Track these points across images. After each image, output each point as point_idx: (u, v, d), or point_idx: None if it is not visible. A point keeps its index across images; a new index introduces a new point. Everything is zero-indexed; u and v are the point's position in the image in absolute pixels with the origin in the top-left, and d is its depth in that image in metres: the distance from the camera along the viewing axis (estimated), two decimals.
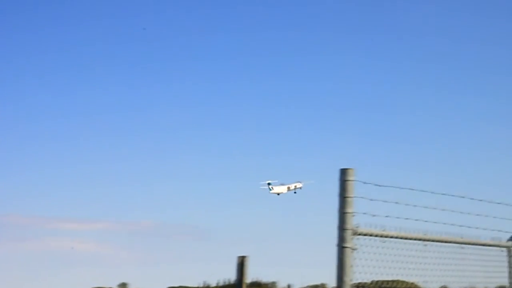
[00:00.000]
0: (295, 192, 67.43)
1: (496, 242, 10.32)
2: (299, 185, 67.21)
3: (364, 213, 8.20)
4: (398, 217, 8.58)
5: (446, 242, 9.34)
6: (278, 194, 66.57)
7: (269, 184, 65.46)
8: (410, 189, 8.71)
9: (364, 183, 8.17)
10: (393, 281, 8.93)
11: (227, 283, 59.03)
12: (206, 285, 65.55)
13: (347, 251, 8.01)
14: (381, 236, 8.43)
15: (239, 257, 9.34)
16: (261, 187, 66.50)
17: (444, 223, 9.20)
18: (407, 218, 8.71)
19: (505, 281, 10.51)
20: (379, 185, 8.37)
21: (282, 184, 66.63)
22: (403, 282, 9.05)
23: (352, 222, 8.07)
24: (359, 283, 8.13)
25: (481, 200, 9.75)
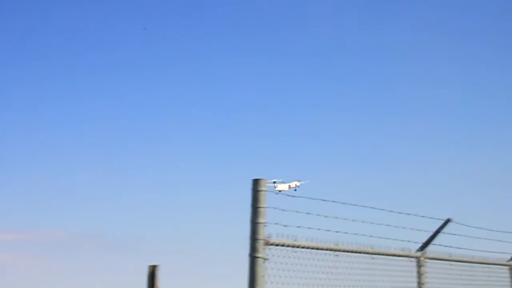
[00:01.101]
0: (295, 190, 69.94)
1: (406, 253, 10.51)
2: (298, 183, 69.92)
3: (276, 223, 8.24)
4: (309, 228, 8.65)
5: (357, 252, 9.45)
6: (280, 191, 68.29)
7: (274, 182, 67.45)
8: (322, 199, 8.78)
9: (277, 193, 8.22)
10: None
11: None
12: None
13: (259, 261, 8.05)
14: (293, 246, 8.48)
15: (150, 266, 9.24)
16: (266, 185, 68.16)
17: (355, 234, 9.30)
18: (318, 229, 8.78)
19: None
20: (292, 196, 8.42)
21: (283, 182, 68.99)
22: None
23: (264, 232, 8.11)
24: None
25: (391, 211, 9.91)
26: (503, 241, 12.92)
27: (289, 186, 67.84)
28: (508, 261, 13.45)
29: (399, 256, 10.31)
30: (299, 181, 68.99)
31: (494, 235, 12.47)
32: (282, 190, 68.27)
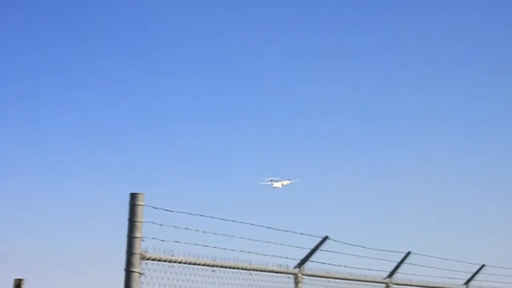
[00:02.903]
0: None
1: (284, 269, 10.64)
2: (288, 182, 72.16)
3: (154, 238, 8.22)
4: (187, 243, 8.67)
5: (234, 268, 9.51)
6: (275, 188, 71.35)
7: (271, 180, 70.43)
8: (200, 215, 8.83)
9: (154, 208, 8.21)
10: None
11: None
12: None
13: (135, 276, 8.02)
14: (170, 261, 8.48)
15: (16, 279, 9.06)
16: (262, 183, 71.31)
17: (233, 250, 9.38)
18: (196, 244, 8.81)
19: None
20: (170, 211, 8.42)
21: (277, 181, 70.54)
22: None
23: (141, 246, 8.09)
24: None
25: (269, 228, 10.03)
26: (380, 259, 13.24)
27: (282, 184, 70.98)
28: (385, 278, 13.79)
29: (277, 272, 10.43)
30: (289, 179, 71.90)
31: (371, 253, 12.77)
32: (277, 187, 70.81)
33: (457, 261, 16.24)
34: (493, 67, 70.03)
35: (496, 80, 68.90)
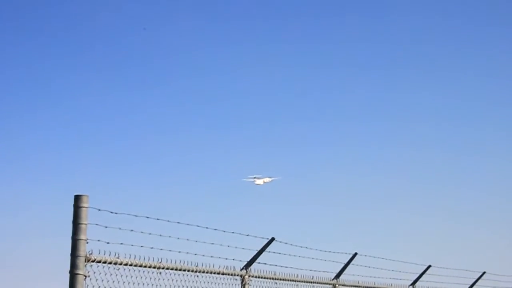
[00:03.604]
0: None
1: (230, 271, 10.66)
2: (269, 179, 73.37)
3: (99, 240, 8.19)
4: (133, 245, 8.65)
5: (180, 270, 9.51)
6: (257, 184, 72.55)
7: (254, 177, 71.44)
8: (145, 217, 8.81)
9: (99, 210, 8.17)
10: None
11: None
12: None
13: (79, 278, 7.98)
14: (115, 264, 8.44)
15: None
16: (245, 179, 72.21)
17: (179, 251, 9.37)
18: (142, 246, 8.79)
19: None
20: (115, 213, 8.38)
21: (259, 178, 72.00)
22: None
23: (85, 249, 8.04)
24: None
25: (215, 229, 10.05)
26: (328, 260, 13.36)
27: (263, 181, 71.99)
28: (332, 279, 13.90)
29: (223, 274, 10.45)
30: (270, 177, 72.93)
31: (318, 254, 12.87)
32: (259, 184, 71.44)
33: (403, 262, 16.45)
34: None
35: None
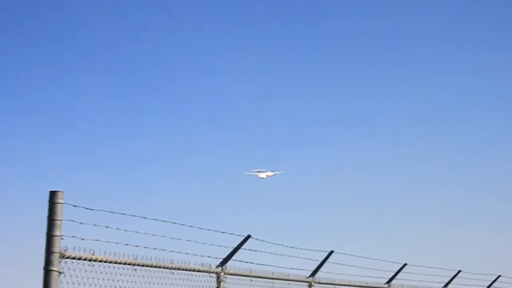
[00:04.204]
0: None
1: (206, 268, 10.65)
2: (271, 173, 74.27)
3: (74, 237, 8.15)
4: (108, 241, 8.62)
5: (156, 267, 9.48)
6: (261, 178, 73.91)
7: (259, 171, 72.90)
8: (121, 213, 8.78)
9: (74, 206, 8.13)
10: None
11: None
12: None
13: (54, 275, 7.94)
14: (90, 260, 8.41)
15: None
16: (249, 173, 73.48)
17: (155, 248, 9.36)
18: (117, 243, 8.77)
19: None
20: (90, 209, 8.35)
21: (263, 172, 73.34)
22: None
23: (60, 245, 8.01)
24: None
25: (191, 226, 10.03)
26: (304, 258, 13.38)
27: (266, 175, 72.74)
28: (308, 277, 13.94)
29: (199, 271, 10.45)
30: (272, 171, 73.46)
31: (294, 252, 12.89)
32: (262, 178, 72.35)
33: (379, 260, 16.52)
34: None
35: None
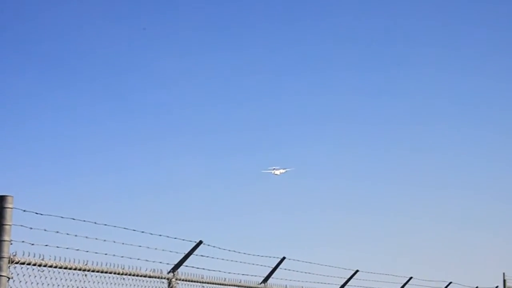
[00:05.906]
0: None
1: (157, 274, 10.65)
2: (283, 170, 75.84)
3: (23, 242, 8.12)
4: (58, 247, 8.60)
5: (106, 272, 9.46)
6: (276, 174, 76.29)
7: (274, 168, 75.58)
8: (72, 218, 8.77)
9: (24, 211, 8.11)
10: None
11: None
12: None
13: (3, 280, 7.90)
14: (39, 265, 8.37)
15: None
16: (264, 171, 76.07)
17: (106, 254, 9.34)
18: (67, 248, 8.74)
19: None
20: (40, 214, 8.33)
21: (276, 169, 75.82)
22: None
23: (9, 250, 7.97)
24: None
25: (142, 232, 10.04)
26: (256, 264, 13.44)
27: (280, 172, 74.27)
28: (260, 283, 14.00)
29: (150, 277, 10.44)
30: (284, 168, 75.13)
31: (247, 258, 12.94)
32: (277, 174, 74.69)
33: (331, 266, 16.66)
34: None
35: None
